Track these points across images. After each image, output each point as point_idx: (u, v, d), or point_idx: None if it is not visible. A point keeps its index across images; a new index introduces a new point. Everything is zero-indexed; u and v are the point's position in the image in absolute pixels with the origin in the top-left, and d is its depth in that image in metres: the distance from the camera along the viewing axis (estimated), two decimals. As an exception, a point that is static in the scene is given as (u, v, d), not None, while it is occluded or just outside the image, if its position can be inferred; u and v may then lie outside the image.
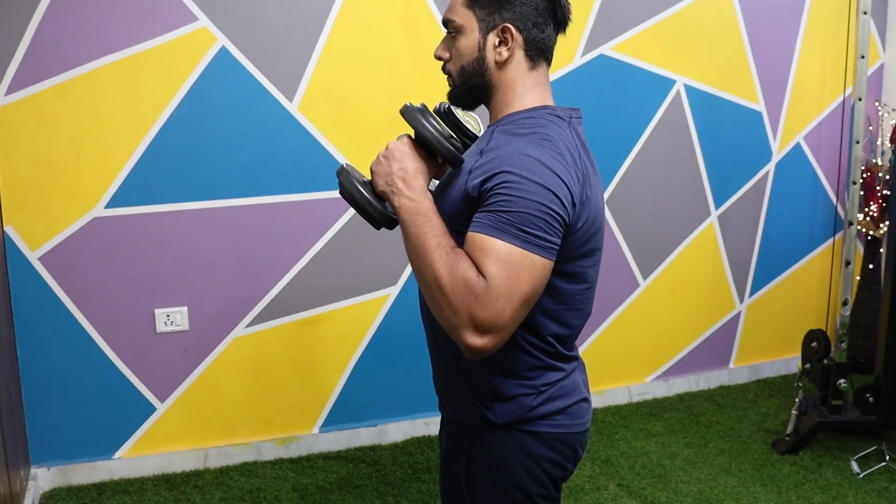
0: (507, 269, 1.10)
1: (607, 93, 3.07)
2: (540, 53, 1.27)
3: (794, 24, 3.36)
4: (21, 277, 2.48)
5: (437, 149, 1.22)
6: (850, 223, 2.94)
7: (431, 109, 1.28)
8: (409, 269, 2.88)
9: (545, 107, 1.27)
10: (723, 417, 3.16)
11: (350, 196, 1.26)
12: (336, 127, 2.73)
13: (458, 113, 1.31)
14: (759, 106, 3.36)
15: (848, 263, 2.97)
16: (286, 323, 2.78)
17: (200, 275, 2.65)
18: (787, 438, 2.87)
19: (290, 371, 2.81)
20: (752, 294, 3.52)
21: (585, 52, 3.02)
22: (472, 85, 1.29)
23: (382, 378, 2.93)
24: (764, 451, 2.87)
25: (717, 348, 3.49)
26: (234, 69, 2.59)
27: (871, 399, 2.80)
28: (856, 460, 2.74)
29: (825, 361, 2.87)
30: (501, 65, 1.26)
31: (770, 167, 3.44)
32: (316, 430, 2.88)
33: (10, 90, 2.39)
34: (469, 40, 1.26)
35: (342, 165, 1.29)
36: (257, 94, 2.62)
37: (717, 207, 3.37)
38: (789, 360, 3.62)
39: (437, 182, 1.36)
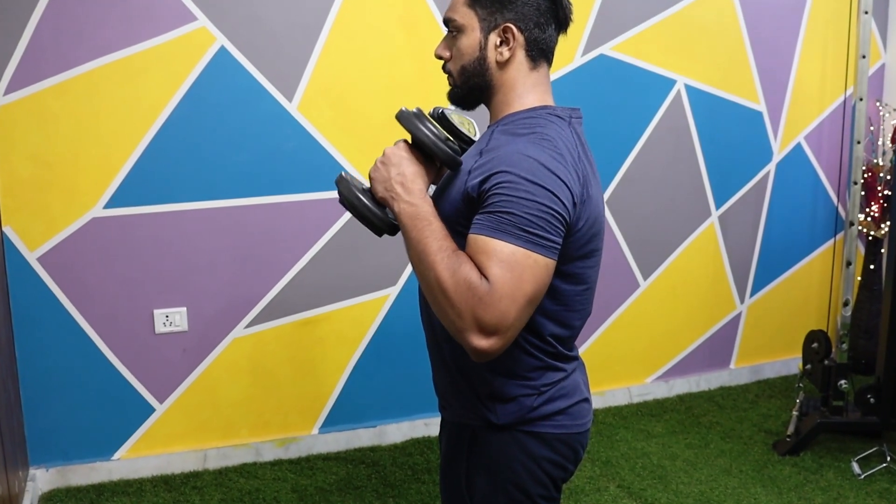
0: (510, 270, 1.09)
1: (607, 93, 3.06)
2: (541, 54, 1.27)
3: (795, 23, 3.35)
4: (20, 278, 2.47)
5: (435, 152, 1.21)
6: (851, 223, 2.94)
7: (427, 113, 1.27)
8: (408, 270, 2.87)
9: (545, 107, 1.26)
10: (723, 418, 3.16)
11: (350, 204, 1.25)
12: (335, 127, 2.73)
13: (454, 117, 1.30)
14: (760, 106, 3.35)
15: (849, 264, 2.96)
16: (286, 323, 2.78)
17: (199, 275, 2.65)
18: (787, 439, 2.87)
19: (289, 372, 2.81)
20: (752, 294, 3.51)
21: (586, 51, 3.01)
22: (472, 84, 1.28)
23: (382, 379, 2.92)
24: (765, 452, 2.86)
25: (717, 349, 3.48)
26: (234, 69, 2.58)
27: (872, 400, 2.79)
28: (857, 461, 2.73)
29: (826, 362, 2.87)
30: (502, 65, 1.26)
31: (771, 167, 3.43)
32: (315, 430, 2.88)
33: (9, 90, 2.38)
34: (470, 40, 1.26)
35: (340, 174, 1.29)
36: (256, 94, 2.62)
37: (717, 207, 3.36)
38: (790, 361, 3.62)
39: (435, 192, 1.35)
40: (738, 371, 3.53)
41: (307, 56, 2.66)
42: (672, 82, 3.17)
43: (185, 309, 2.64)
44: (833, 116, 3.49)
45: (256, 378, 2.77)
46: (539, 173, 1.13)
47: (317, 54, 2.67)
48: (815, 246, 3.59)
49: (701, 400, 3.34)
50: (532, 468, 1.28)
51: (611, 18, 3.02)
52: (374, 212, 1.24)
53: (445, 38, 1.31)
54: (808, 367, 2.94)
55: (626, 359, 3.32)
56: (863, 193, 3.33)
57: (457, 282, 1.10)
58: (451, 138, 1.26)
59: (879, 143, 3.41)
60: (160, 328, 2.63)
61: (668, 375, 3.41)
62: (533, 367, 1.26)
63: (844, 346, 2.96)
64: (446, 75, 1.33)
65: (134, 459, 2.66)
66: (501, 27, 1.24)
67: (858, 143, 2.95)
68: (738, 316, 3.50)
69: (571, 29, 1.31)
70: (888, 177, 3.33)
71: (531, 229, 1.11)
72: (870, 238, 3.37)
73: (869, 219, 3.36)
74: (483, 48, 1.26)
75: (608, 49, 3.04)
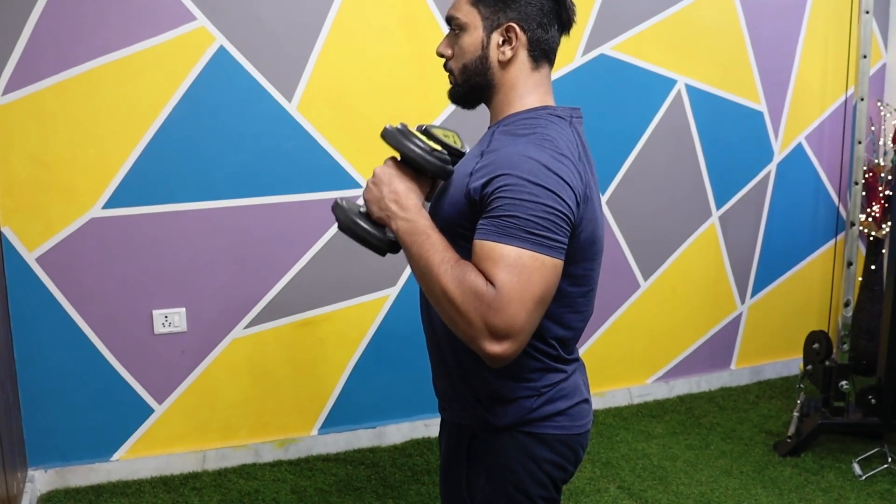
0: (518, 274, 1.09)
1: (608, 93, 3.05)
2: (543, 54, 1.27)
3: (796, 23, 3.35)
4: (18, 278, 2.47)
5: (423, 165, 1.22)
6: (852, 224, 2.93)
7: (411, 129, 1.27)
8: (408, 270, 2.86)
9: (545, 107, 1.26)
10: (724, 419, 3.15)
11: (349, 230, 1.26)
12: (335, 127, 2.72)
13: (437, 132, 1.31)
14: (761, 106, 3.35)
15: (850, 264, 2.95)
16: (285, 324, 2.77)
17: (199, 276, 2.64)
18: (788, 440, 2.86)
19: (288, 372, 2.80)
20: (753, 295, 3.50)
21: (586, 51, 3.00)
22: (473, 83, 1.28)
23: (382, 379, 2.91)
24: (765, 453, 2.85)
25: (718, 349, 3.48)
26: (233, 69, 2.57)
27: (873, 401, 2.79)
28: (858, 462, 2.73)
29: (827, 363, 2.86)
30: (504, 64, 1.26)
31: (771, 167, 3.43)
32: (315, 431, 2.87)
33: (7, 90, 2.37)
34: (472, 38, 1.26)
35: (335, 200, 1.29)
36: (256, 94, 2.61)
37: (718, 208, 3.35)
38: (791, 362, 3.61)
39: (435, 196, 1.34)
40: (738, 372, 3.52)
41: (306, 56, 2.65)
42: (672, 82, 3.16)
43: (184, 309, 2.64)
44: (834, 116, 3.48)
45: (256, 379, 2.76)
46: (541, 174, 1.12)
47: (316, 54, 2.66)
48: (815, 246, 3.58)
49: (701, 401, 3.33)
50: (532, 469, 1.27)
51: (611, 18, 3.01)
52: (373, 233, 1.24)
53: (448, 37, 1.31)
54: (809, 367, 2.94)
55: (626, 359, 3.31)
56: (864, 194, 3.32)
57: (463, 291, 1.10)
58: (438, 148, 1.26)
59: (880, 143, 3.40)
60: (159, 329, 2.62)
61: (669, 376, 3.40)
62: (534, 368, 1.26)
63: (845, 346, 2.95)
64: (447, 74, 1.32)
65: (133, 460, 2.65)
66: (504, 26, 1.24)
67: (859, 143, 2.95)
68: (739, 316, 3.50)
69: (572, 28, 1.30)
70: (889, 177, 3.32)
71: (537, 231, 1.10)
72: (871, 238, 3.36)
73: (870, 219, 3.35)
74: (485, 47, 1.25)
75: (608, 49, 3.03)
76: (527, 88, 1.26)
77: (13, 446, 2.31)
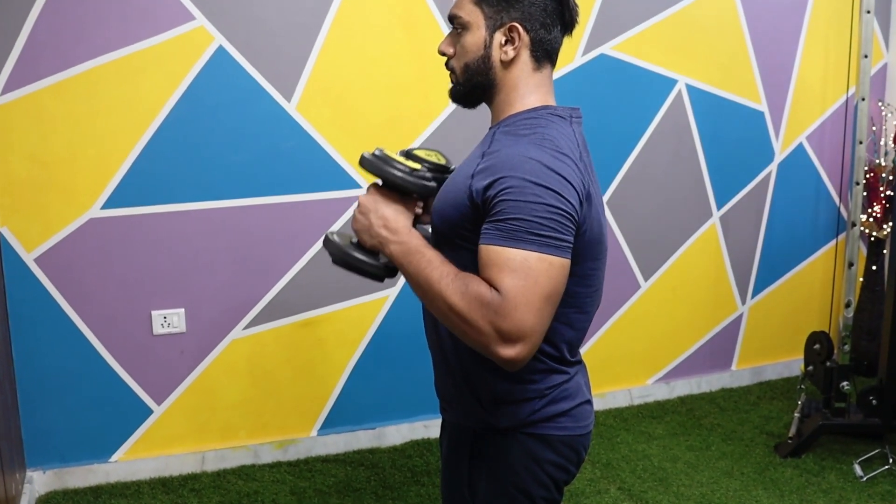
0: (524, 277, 1.09)
1: (608, 93, 3.05)
2: (545, 55, 1.27)
3: (797, 23, 3.34)
4: (17, 279, 2.46)
5: (405, 186, 1.22)
6: (853, 224, 2.92)
7: (388, 154, 1.27)
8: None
9: (546, 106, 1.26)
10: (725, 420, 3.14)
11: (343, 262, 1.27)
12: (334, 127, 2.72)
13: (419, 153, 1.33)
14: (762, 106, 3.34)
15: (851, 265, 2.95)
16: (284, 325, 2.76)
17: (198, 276, 2.63)
18: (789, 441, 2.85)
19: (288, 373, 2.79)
20: (754, 295, 3.50)
21: (586, 51, 2.99)
22: (475, 83, 1.28)
23: (381, 380, 2.91)
24: (766, 455, 2.84)
25: (718, 350, 3.47)
26: (232, 69, 2.57)
27: (874, 401, 2.78)
28: (859, 463, 2.72)
29: (828, 364, 2.85)
30: (506, 64, 1.25)
31: (772, 167, 3.42)
32: (314, 432, 2.86)
33: (6, 90, 2.37)
34: (475, 37, 1.25)
35: (326, 235, 1.29)
36: (255, 94, 2.60)
37: (718, 208, 3.35)
38: (792, 363, 3.60)
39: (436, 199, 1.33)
40: (739, 373, 3.52)
41: (306, 56, 2.65)
42: (673, 82, 3.15)
43: (183, 310, 2.63)
44: (835, 116, 3.48)
45: (255, 379, 2.76)
46: (543, 174, 1.12)
47: (316, 54, 2.66)
48: (816, 247, 3.57)
49: (702, 402, 3.32)
50: (534, 470, 1.27)
51: (611, 18, 3.00)
52: (368, 262, 1.25)
53: (450, 35, 1.31)
54: (810, 368, 2.93)
55: (626, 360, 3.31)
56: (865, 194, 3.32)
57: (469, 301, 1.11)
58: (419, 167, 1.27)
59: (881, 143, 3.40)
60: (158, 329, 2.61)
61: (669, 377, 3.39)
62: (538, 370, 1.25)
63: (846, 347, 2.94)
64: (449, 73, 1.32)
65: (132, 461, 2.64)
66: (507, 26, 1.23)
67: (860, 143, 2.94)
68: (740, 317, 3.49)
69: (574, 29, 1.30)
70: (890, 177, 3.32)
71: (542, 232, 1.10)
72: (872, 239, 3.36)
73: (871, 219, 3.34)
74: (488, 46, 1.25)
75: (609, 49, 3.03)
76: (528, 88, 1.26)
77: (12, 447, 2.30)
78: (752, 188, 3.40)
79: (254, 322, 2.72)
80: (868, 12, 2.89)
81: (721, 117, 3.27)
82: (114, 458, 2.65)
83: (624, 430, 3.06)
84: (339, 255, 1.26)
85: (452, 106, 2.77)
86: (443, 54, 1.31)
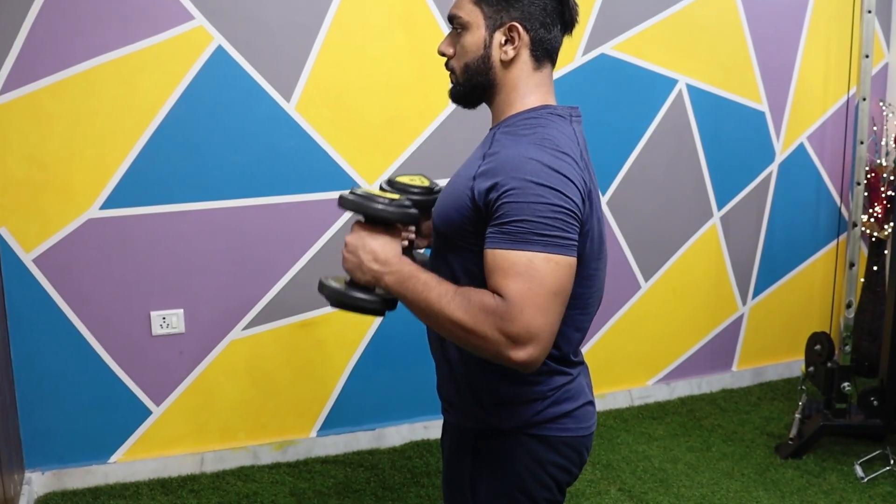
0: (528, 280, 1.09)
1: (608, 92, 3.04)
2: (545, 54, 1.26)
3: (798, 22, 3.33)
4: (15, 279, 2.45)
5: (387, 217, 1.23)
6: (854, 224, 2.91)
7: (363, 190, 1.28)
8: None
9: (546, 106, 1.26)
10: (725, 421, 3.13)
11: (341, 304, 1.27)
12: (334, 127, 2.71)
13: (402, 179, 1.35)
14: (763, 106, 3.33)
15: (852, 265, 2.94)
16: (284, 325, 2.75)
17: (197, 277, 2.62)
18: (790, 442, 2.84)
19: (287, 374, 2.78)
20: (755, 296, 3.49)
21: (586, 51, 2.99)
22: (475, 83, 1.28)
23: (381, 381, 2.90)
24: (767, 456, 2.84)
25: (719, 351, 3.46)
26: (231, 69, 2.56)
27: (875, 402, 2.77)
28: (860, 464, 2.71)
29: (829, 364, 2.84)
30: (506, 64, 1.25)
31: (773, 168, 3.41)
32: (314, 433, 2.85)
33: (4, 90, 2.36)
34: (475, 37, 1.25)
35: (320, 281, 1.30)
36: (254, 94, 2.60)
37: (719, 208, 3.34)
38: (793, 364, 3.59)
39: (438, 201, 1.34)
40: (740, 373, 3.51)
41: (305, 55, 2.64)
42: (674, 82, 3.15)
43: (181, 311, 2.62)
44: (836, 116, 3.47)
45: (254, 380, 2.75)
46: (544, 174, 1.12)
47: (315, 54, 2.65)
48: (817, 247, 3.56)
49: (703, 402, 3.32)
50: (537, 472, 1.27)
51: (612, 17, 3.00)
52: (366, 299, 1.26)
53: (450, 35, 1.31)
54: (811, 369, 2.92)
55: (627, 361, 3.30)
56: (866, 194, 3.31)
57: (473, 314, 1.11)
58: (400, 194, 1.28)
59: (882, 143, 3.39)
60: (157, 330, 2.61)
61: (670, 378, 3.39)
62: (541, 371, 1.25)
63: (847, 348, 2.93)
64: (448, 73, 1.32)
65: (130, 462, 2.64)
66: (507, 26, 1.23)
67: (861, 143, 2.93)
68: (741, 318, 3.48)
69: (574, 28, 1.29)
70: (891, 177, 3.31)
71: (546, 232, 1.10)
72: (873, 239, 3.35)
73: (872, 220, 3.34)
74: (487, 46, 1.25)
75: (609, 48, 3.02)
76: (528, 88, 1.26)
77: (10, 448, 2.30)
78: (753, 188, 3.39)
79: (253, 323, 2.72)
80: (869, 12, 2.88)
81: (722, 117, 3.26)
82: (113, 459, 2.64)
83: (624, 430, 3.05)
84: (336, 297, 1.27)
85: (452, 106, 2.76)
86: (442, 54, 1.31)
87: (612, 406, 3.25)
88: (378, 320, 2.85)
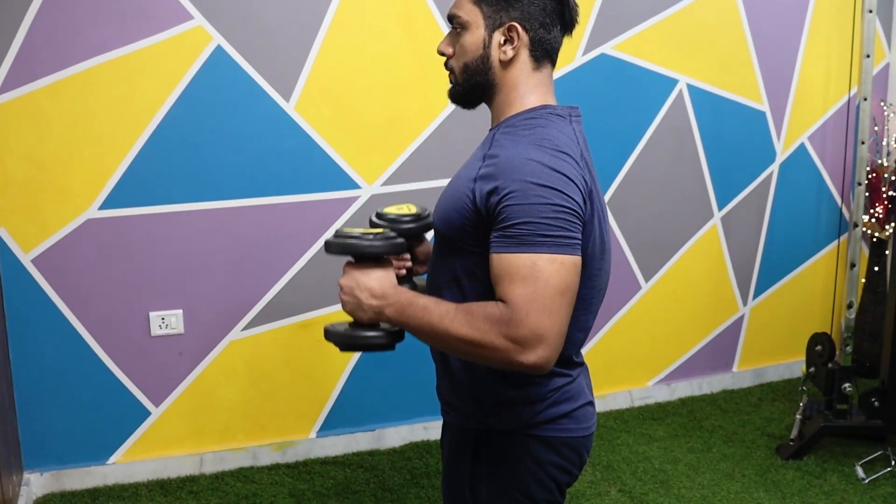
0: (533, 282, 1.09)
1: (609, 92, 3.03)
2: (545, 54, 1.26)
3: (799, 22, 3.33)
4: (14, 280, 2.45)
5: (374, 252, 1.24)
6: (856, 225, 2.91)
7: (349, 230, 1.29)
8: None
9: (545, 106, 1.25)
10: (726, 422, 3.13)
11: (351, 346, 1.30)
12: (334, 127, 2.70)
13: (389, 211, 1.38)
14: (763, 106, 3.32)
15: (853, 266, 2.93)
16: (283, 326, 2.75)
17: (196, 277, 2.62)
18: (791, 443, 2.84)
19: (286, 375, 2.78)
20: (755, 297, 3.48)
21: (587, 51, 2.98)
22: (474, 83, 1.27)
23: (381, 382, 2.89)
24: (768, 457, 2.83)
25: (720, 352, 3.46)
26: (230, 68, 2.55)
27: (876, 403, 2.77)
28: (861, 465, 2.70)
29: (830, 365, 2.84)
30: (506, 64, 1.25)
31: (774, 168, 3.40)
32: (313, 434, 2.85)
33: (3, 90, 2.35)
34: (474, 37, 1.25)
35: (325, 329, 1.32)
36: (253, 94, 2.59)
37: (720, 209, 3.33)
38: (793, 364, 3.59)
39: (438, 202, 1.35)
40: (740, 374, 3.50)
41: (305, 55, 2.63)
42: (674, 82, 3.14)
43: (181, 311, 2.62)
44: (837, 116, 3.46)
45: (253, 381, 2.74)
46: (544, 175, 1.12)
47: (314, 53, 2.64)
48: (818, 248, 3.56)
49: (703, 403, 3.31)
50: (537, 473, 1.27)
51: (612, 17, 2.99)
52: (374, 336, 1.27)
53: (449, 35, 1.30)
54: (812, 370, 2.92)
55: (627, 362, 3.29)
56: (867, 194, 3.30)
57: (478, 327, 1.10)
58: (380, 231, 1.29)
59: (884, 143, 3.39)
60: (156, 331, 2.60)
61: (670, 378, 3.38)
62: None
63: (848, 348, 2.92)
64: (448, 73, 1.32)
65: (129, 463, 2.63)
66: (506, 26, 1.23)
67: (862, 143, 2.93)
68: (741, 318, 3.47)
69: (574, 28, 1.29)
70: (892, 177, 3.30)
71: (549, 232, 1.10)
72: (874, 240, 3.34)
73: (873, 220, 3.33)
74: (487, 46, 1.24)
75: (609, 48, 3.01)
76: (528, 88, 1.25)
77: (9, 449, 2.29)
78: (754, 189, 3.38)
79: (252, 323, 2.71)
80: (870, 12, 2.87)
81: (722, 117, 3.25)
82: (111, 459, 2.63)
83: (624, 431, 3.04)
84: (344, 341, 1.28)
85: (452, 106, 2.75)
86: (442, 54, 1.31)
87: (612, 407, 3.24)
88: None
